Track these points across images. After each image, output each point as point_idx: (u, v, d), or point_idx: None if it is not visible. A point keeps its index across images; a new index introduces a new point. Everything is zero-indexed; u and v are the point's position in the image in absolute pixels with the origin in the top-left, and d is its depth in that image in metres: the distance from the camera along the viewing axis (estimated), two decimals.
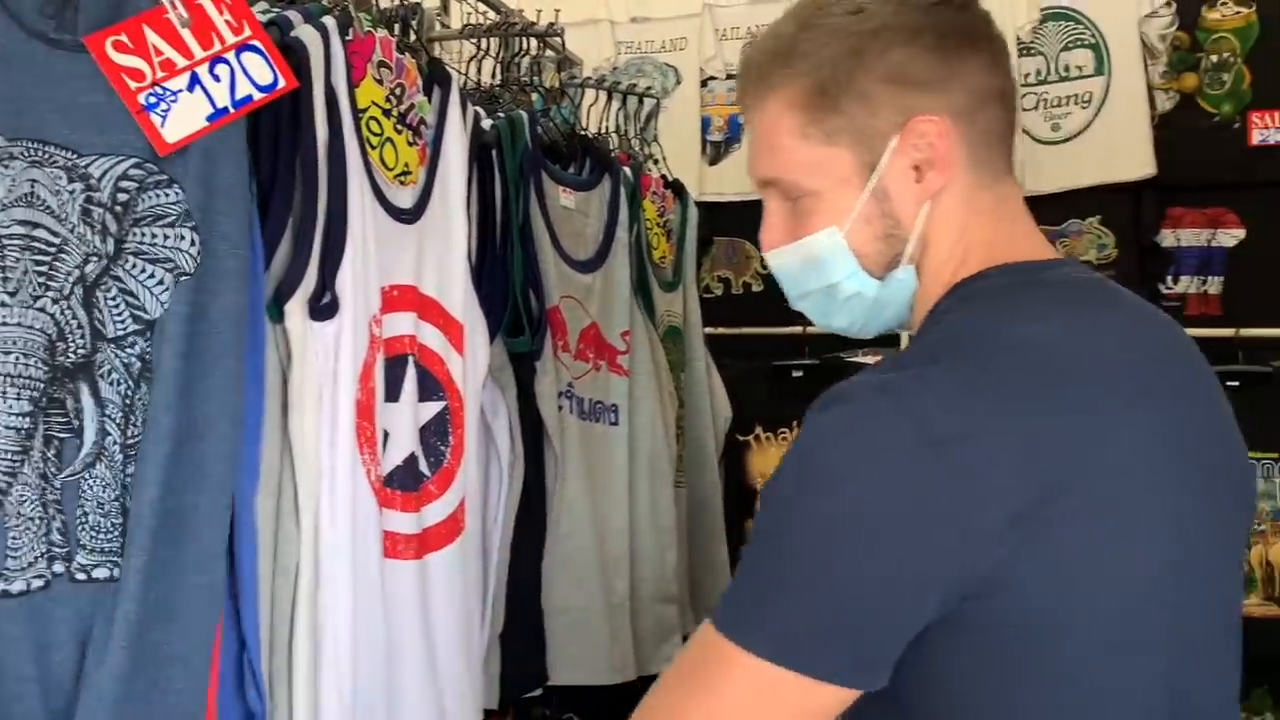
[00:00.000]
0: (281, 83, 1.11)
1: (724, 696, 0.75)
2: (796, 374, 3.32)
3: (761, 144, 0.88)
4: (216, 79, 1.05)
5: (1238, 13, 3.40)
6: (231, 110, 1.07)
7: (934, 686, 0.77)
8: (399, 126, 1.34)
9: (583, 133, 1.93)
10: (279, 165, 1.17)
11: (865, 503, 0.73)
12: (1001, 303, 0.82)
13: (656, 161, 2.29)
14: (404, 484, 1.33)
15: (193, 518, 1.08)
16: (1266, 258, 3.37)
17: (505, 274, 1.57)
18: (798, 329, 3.63)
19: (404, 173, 1.35)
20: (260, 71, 1.09)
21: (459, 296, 1.42)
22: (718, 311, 3.70)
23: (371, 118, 1.29)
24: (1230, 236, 3.43)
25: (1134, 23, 3.47)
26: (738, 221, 3.93)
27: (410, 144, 1.36)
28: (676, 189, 2.25)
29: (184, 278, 1.08)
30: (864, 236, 0.85)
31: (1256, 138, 3.35)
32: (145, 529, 1.04)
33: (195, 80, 1.04)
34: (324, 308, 1.19)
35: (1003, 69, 0.87)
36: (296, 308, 1.17)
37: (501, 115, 1.63)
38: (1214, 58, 3.43)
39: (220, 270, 1.10)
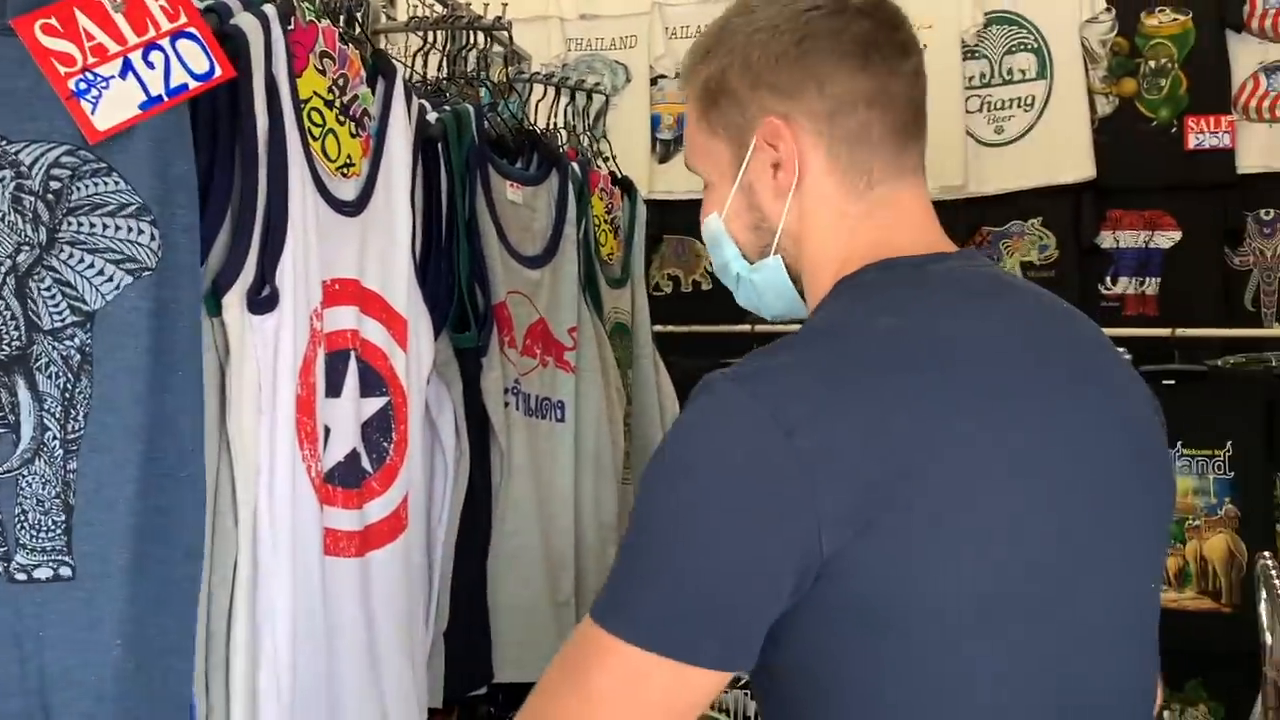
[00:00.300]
0: (218, 72, 1.09)
1: (598, 684, 0.76)
2: None
3: (685, 134, 0.95)
4: (150, 66, 1.03)
5: (1175, 20, 3.47)
6: (166, 99, 1.04)
7: (806, 667, 0.79)
8: (341, 118, 1.32)
9: (531, 128, 1.92)
10: (217, 155, 1.15)
11: (720, 490, 0.75)
12: (871, 296, 0.84)
13: (606, 159, 2.29)
14: (345, 480, 1.32)
15: (180, 512, 1.08)
16: (1201, 259, 3.45)
17: (451, 269, 1.56)
18: (746, 327, 3.65)
19: (346, 165, 1.33)
20: (196, 60, 1.07)
21: (403, 291, 1.40)
22: (666, 309, 3.71)
23: (313, 108, 1.27)
24: (1167, 238, 3.50)
25: (1075, 28, 3.53)
26: (687, 220, 3.95)
27: (353, 136, 1.34)
28: (625, 186, 2.24)
29: (146, 273, 1.05)
30: (738, 225, 0.91)
31: (1192, 142, 3.43)
32: (125, 526, 1.03)
33: (128, 67, 1.01)
34: (263, 300, 1.17)
35: (884, 73, 0.87)
36: (235, 300, 1.15)
37: (447, 108, 1.62)
38: (1152, 63, 3.51)
39: (182, 264, 1.08)
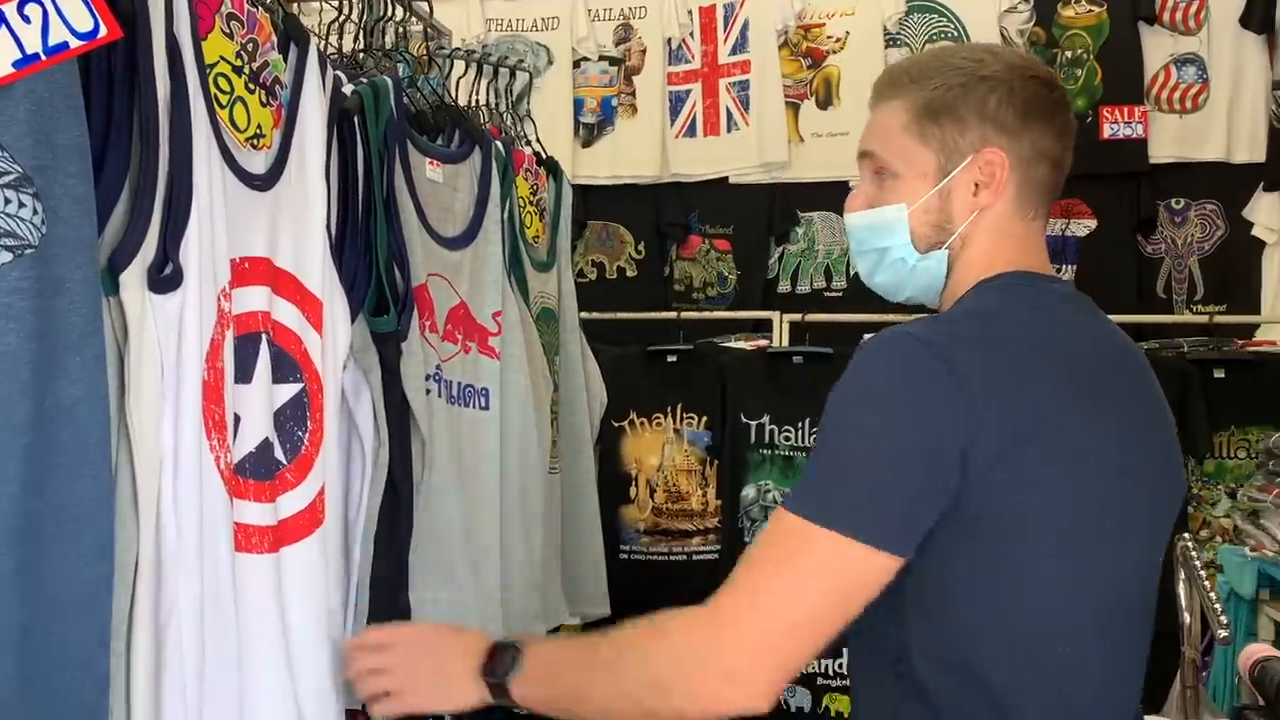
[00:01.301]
0: (103, 31, 0.99)
1: (806, 564, 0.97)
2: (671, 359, 3.31)
3: (876, 127, 1.15)
4: (26, 20, 0.92)
5: (1090, 11, 3.53)
6: (43, 57, 0.94)
7: (925, 566, 1.00)
8: (251, 85, 1.24)
9: (452, 104, 1.85)
10: (114, 120, 1.06)
11: (908, 414, 0.98)
12: (1010, 295, 1.08)
13: (529, 143, 2.22)
14: (257, 472, 1.24)
15: (80, 508, 0.99)
16: (1115, 247, 3.53)
17: (368, 249, 1.48)
18: (671, 314, 3.61)
19: (257, 135, 1.25)
20: (78, 16, 0.97)
21: (317, 271, 1.32)
22: (591, 296, 3.66)
23: (220, 74, 1.19)
24: (1082, 226, 3.57)
25: (994, 17, 3.57)
26: (612, 205, 3.89)
27: (264, 105, 1.26)
28: (550, 167, 2.18)
29: (29, 250, 0.96)
30: (921, 220, 1.12)
31: (1107, 131, 3.50)
32: (9, 529, 0.94)
33: (0, 20, 0.92)
34: (165, 279, 1.08)
35: (1064, 143, 1.13)
36: (134, 279, 1.06)
37: (364, 81, 1.54)
38: (1068, 53, 3.57)
39: (72, 239, 0.99)
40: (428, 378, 1.56)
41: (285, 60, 1.33)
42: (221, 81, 1.19)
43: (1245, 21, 3.38)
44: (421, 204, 1.60)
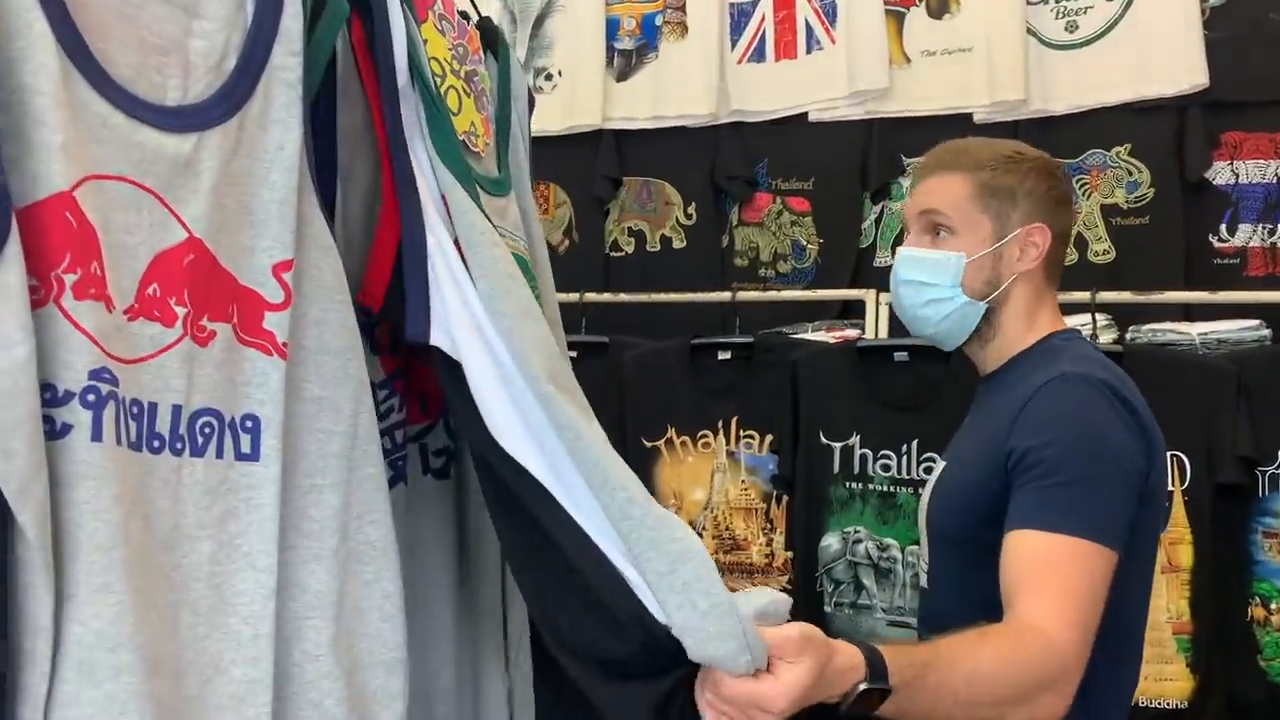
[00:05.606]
0: None
1: (1090, 577, 1.25)
2: (723, 356, 2.43)
3: (938, 191, 1.48)
4: None
5: None
6: None
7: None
8: None
9: None
10: None
11: (1118, 446, 1.31)
12: (1089, 351, 1.46)
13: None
14: None
15: None
16: None
17: None
18: (726, 296, 2.71)
19: None
20: None
21: None
22: (629, 274, 2.89)
23: None
24: None
25: None
26: (655, 156, 3.05)
27: None
28: (487, 34, 1.30)
29: None
30: (975, 274, 1.46)
31: None
32: None
33: None
34: None
35: (1071, 223, 1.55)
36: None
37: None
38: None
39: None
40: (62, 397, 0.69)
41: None
42: None
43: None
44: (75, 20, 0.73)
